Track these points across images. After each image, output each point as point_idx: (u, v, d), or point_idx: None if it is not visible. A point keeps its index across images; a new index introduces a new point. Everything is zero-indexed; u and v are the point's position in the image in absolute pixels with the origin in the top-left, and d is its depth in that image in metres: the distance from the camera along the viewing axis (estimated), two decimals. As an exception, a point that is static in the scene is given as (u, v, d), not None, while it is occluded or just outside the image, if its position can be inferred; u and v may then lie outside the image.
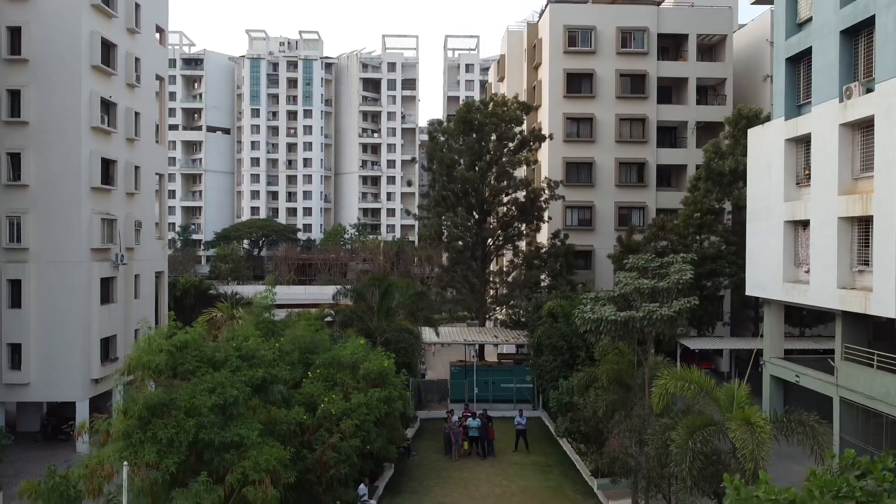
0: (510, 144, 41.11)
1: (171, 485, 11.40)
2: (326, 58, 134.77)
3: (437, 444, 32.05)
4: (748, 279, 32.34)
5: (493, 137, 40.44)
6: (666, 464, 17.42)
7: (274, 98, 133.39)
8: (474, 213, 40.61)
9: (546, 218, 43.10)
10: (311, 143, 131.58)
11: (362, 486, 22.93)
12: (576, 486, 26.48)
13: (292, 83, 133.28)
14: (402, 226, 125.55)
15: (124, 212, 38.19)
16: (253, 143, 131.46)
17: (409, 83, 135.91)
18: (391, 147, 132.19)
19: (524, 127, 44.24)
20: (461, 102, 48.94)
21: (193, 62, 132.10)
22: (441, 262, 44.20)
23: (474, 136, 39.77)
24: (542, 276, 40.70)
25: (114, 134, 37.39)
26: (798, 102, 29.17)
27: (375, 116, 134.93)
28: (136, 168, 39.98)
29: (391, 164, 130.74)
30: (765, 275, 30.86)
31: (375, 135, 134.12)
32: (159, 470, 11.19)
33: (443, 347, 40.89)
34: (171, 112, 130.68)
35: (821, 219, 26.48)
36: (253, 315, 15.60)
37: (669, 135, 53.90)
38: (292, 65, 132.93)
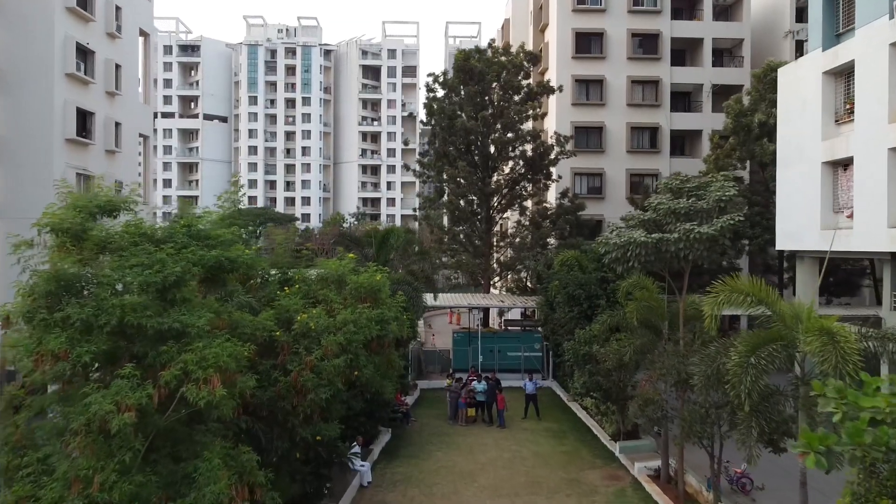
0: (515, 98, 38.28)
1: (87, 382, 8.72)
2: (325, 45, 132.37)
3: (439, 411, 29.32)
4: (778, 232, 29.54)
5: (496, 87, 37.58)
6: (714, 403, 14.68)
7: (272, 86, 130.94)
8: (478, 169, 37.79)
9: (555, 177, 40.25)
10: (309, 132, 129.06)
11: (355, 444, 20.22)
12: (594, 451, 23.70)
13: (291, 70, 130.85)
14: (402, 215, 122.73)
15: (104, 170, 35.41)
16: (250, 131, 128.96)
17: (410, 70, 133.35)
18: (391, 135, 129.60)
19: (531, 80, 41.34)
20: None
21: (190, 49, 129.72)
22: (441, 225, 41.29)
23: (475, 86, 36.90)
24: (550, 240, 37.83)
25: (92, 85, 34.83)
26: (837, 31, 26.41)
27: (375, 104, 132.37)
28: (118, 125, 37.38)
29: (391, 152, 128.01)
30: (797, 225, 28.09)
31: (375, 123, 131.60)
32: (69, 361, 8.48)
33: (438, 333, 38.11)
34: (168, 100, 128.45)
35: (866, 154, 23.74)
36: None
37: (683, 100, 51.17)
38: (291, 52, 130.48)
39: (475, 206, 38.39)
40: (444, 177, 37.41)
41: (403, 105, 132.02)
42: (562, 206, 39.03)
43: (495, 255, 40.00)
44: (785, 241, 29.28)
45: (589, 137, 48.37)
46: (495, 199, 38.70)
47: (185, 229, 10.56)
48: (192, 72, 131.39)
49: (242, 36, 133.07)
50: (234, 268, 11.00)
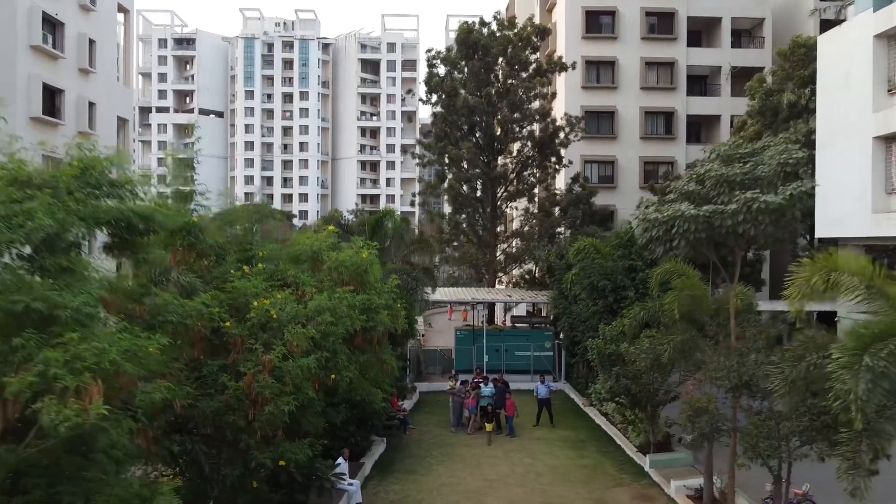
0: (523, 74, 35.14)
1: None
2: (323, 38, 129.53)
3: (441, 417, 26.26)
4: (818, 219, 26.39)
5: (502, 62, 34.45)
6: (786, 415, 11.59)
7: (269, 80, 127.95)
8: (483, 152, 34.65)
9: (566, 162, 37.09)
10: (307, 127, 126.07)
11: (340, 459, 17.15)
12: (619, 465, 20.61)
13: (288, 64, 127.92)
14: (402, 212, 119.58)
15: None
16: (247, 126, 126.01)
17: (410, 64, 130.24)
18: (391, 131, 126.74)
19: (539, 56, 38.12)
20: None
21: (185, 42, 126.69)
22: (442, 213, 38.07)
23: (479, 61, 33.75)
24: (560, 230, 34.68)
25: (61, 60, 31.78)
26: (890, -11, 23.34)
27: (374, 99, 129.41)
28: (91, 105, 34.29)
29: (391, 148, 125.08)
30: (842, 209, 25.04)
31: (374, 118, 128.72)
32: None
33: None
34: (162, 94, 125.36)
35: (929, 124, 20.68)
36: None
37: (699, 84, 48.14)
38: (288, 45, 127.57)
39: (479, 193, 35.24)
40: (446, 160, 34.27)
41: (403, 100, 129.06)
42: (573, 192, 35.90)
43: (501, 247, 36.87)
44: (826, 228, 26.20)
45: (600, 123, 45.26)
46: (501, 185, 35.55)
47: (81, 173, 7.45)
48: (188, 66, 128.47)
49: (239, 29, 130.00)
50: (149, 229, 7.91)
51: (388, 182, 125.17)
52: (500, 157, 35.74)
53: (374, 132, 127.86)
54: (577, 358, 27.31)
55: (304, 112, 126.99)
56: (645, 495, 18.20)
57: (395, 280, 14.05)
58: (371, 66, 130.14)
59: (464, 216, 35.73)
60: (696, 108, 46.35)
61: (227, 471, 9.25)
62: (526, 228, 35.75)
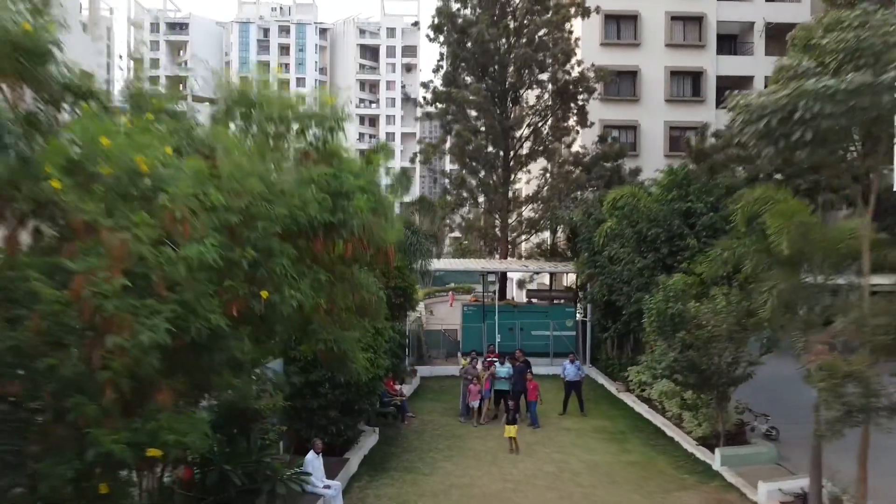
0: (544, 16, 30.55)
1: None
2: (321, 23, 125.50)
3: (446, 404, 21.78)
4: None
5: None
6: None
7: (265, 66, 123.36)
8: (496, 98, 30.03)
9: (588, 122, 32.47)
10: None
11: (311, 454, 12.67)
12: (676, 461, 16.10)
13: (284, 50, 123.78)
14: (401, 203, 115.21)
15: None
16: None
17: (410, 50, 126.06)
18: (390, 119, 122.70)
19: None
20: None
21: (178, 27, 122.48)
22: (446, 172, 33.30)
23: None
24: (581, 193, 30.06)
25: None
26: None
27: (374, 86, 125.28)
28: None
29: (390, 136, 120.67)
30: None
31: (373, 105, 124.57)
32: None
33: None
34: (154, 80, 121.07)
35: None
36: None
37: (729, 43, 43.63)
38: (284, 30, 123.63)
39: (490, 148, 30.59)
40: (453, 107, 29.60)
41: (403, 86, 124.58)
42: (600, 150, 31.32)
43: (515, 214, 32.25)
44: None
45: (621, 84, 40.58)
46: (515, 143, 30.86)
47: None
48: (181, 51, 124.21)
49: (234, 13, 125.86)
50: None
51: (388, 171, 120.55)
52: (515, 108, 31.08)
53: (373, 120, 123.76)
54: (609, 333, 22.75)
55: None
56: (723, 501, 13.68)
57: (378, 156, 9.39)
58: (370, 52, 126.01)
59: (472, 175, 31.03)
60: (726, 69, 41.85)
61: (42, 465, 4.79)
62: (545, 191, 31.13)
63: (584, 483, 14.79)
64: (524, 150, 31.67)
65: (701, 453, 16.13)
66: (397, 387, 20.51)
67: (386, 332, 16.75)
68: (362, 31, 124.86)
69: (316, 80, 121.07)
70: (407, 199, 25.89)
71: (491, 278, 28.85)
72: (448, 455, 16.61)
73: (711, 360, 14.22)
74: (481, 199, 32.42)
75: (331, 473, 13.54)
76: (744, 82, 42.31)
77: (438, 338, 29.40)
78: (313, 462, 12.60)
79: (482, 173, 30.77)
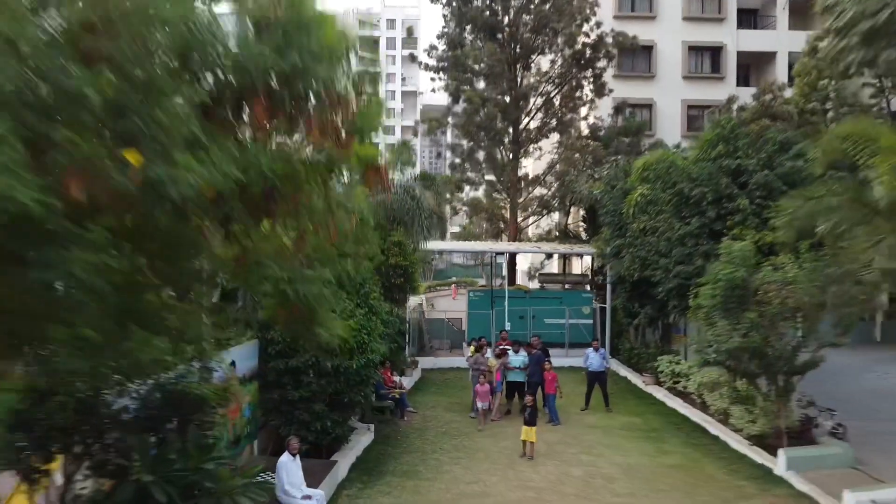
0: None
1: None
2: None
3: (451, 398, 19.27)
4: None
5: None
6: None
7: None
8: (507, 60, 27.34)
9: (606, 91, 29.84)
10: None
11: (285, 456, 10.13)
12: (728, 464, 13.53)
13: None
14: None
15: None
16: None
17: (411, 42, 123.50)
18: (390, 113, 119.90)
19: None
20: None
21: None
22: (453, 145, 30.60)
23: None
24: (599, 169, 27.47)
25: None
26: None
27: (373, 79, 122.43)
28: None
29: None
30: None
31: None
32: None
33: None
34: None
35: None
36: None
37: (750, 17, 41.03)
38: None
39: (500, 122, 27.94)
40: (459, 72, 26.96)
41: (404, 79, 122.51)
42: (617, 124, 28.75)
43: (524, 194, 29.61)
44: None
45: (635, 59, 38.07)
46: (525, 114, 28.23)
47: None
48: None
49: (228, 6, 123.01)
50: None
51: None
52: (525, 75, 28.43)
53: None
54: (639, 318, 20.17)
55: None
56: (797, 515, 11.14)
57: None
58: (369, 44, 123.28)
59: (480, 149, 28.37)
60: (746, 44, 39.22)
61: None
62: (558, 166, 28.48)
63: (620, 491, 12.24)
64: (535, 124, 29.04)
65: (756, 454, 13.56)
66: (396, 378, 17.96)
67: (382, 311, 14.21)
68: (362, 23, 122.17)
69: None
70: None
71: (500, 260, 26.27)
72: (455, 457, 14.06)
73: (778, 342, 11.66)
74: (489, 176, 29.81)
75: (314, 480, 11.01)
76: (765, 59, 39.84)
77: (442, 327, 26.86)
78: (288, 466, 10.06)
79: (488, 146, 28.11)
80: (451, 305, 40.88)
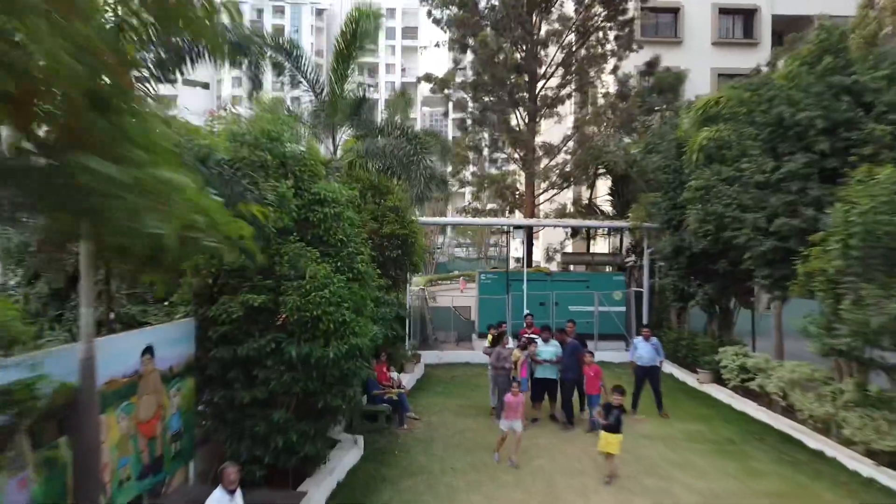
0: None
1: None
2: (316, 3, 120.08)
3: (460, 400, 15.54)
4: None
5: None
6: None
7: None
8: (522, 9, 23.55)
9: (634, 45, 26.01)
10: (299, 98, 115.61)
11: (217, 492, 6.36)
12: (854, 493, 9.75)
13: (279, 32, 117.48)
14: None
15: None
16: (234, 98, 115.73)
17: (411, 32, 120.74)
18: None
19: None
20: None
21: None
22: (462, 102, 26.66)
23: None
24: (628, 133, 23.67)
25: None
26: None
27: (372, 69, 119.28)
28: None
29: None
30: None
31: (372, 90, 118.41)
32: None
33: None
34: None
35: None
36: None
37: (783, -20, 37.33)
38: (279, 11, 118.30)
39: (514, 74, 24.10)
40: (467, 16, 23.13)
41: (403, 70, 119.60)
42: (648, 82, 24.96)
43: (542, 165, 25.73)
44: None
45: (659, 23, 34.45)
46: (543, 73, 24.40)
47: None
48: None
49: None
50: None
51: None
52: (543, 24, 24.62)
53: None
54: (697, 299, 16.33)
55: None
56: None
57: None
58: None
59: (492, 110, 24.47)
60: (783, 6, 35.54)
61: None
62: (583, 129, 24.66)
63: (714, 534, 8.48)
64: (555, 82, 25.19)
65: (890, 478, 9.79)
66: (393, 375, 14.20)
67: (373, 281, 10.45)
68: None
69: (312, 62, 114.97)
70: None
71: (516, 238, 22.50)
72: (474, 481, 10.30)
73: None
74: (502, 141, 25.99)
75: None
76: (801, 23, 36.02)
77: (448, 317, 23.08)
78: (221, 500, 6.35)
79: (501, 107, 24.27)
80: (457, 299, 36.97)
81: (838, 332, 9.04)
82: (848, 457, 10.81)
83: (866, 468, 10.31)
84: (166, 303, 9.40)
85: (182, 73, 8.21)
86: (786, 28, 36.64)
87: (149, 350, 7.66)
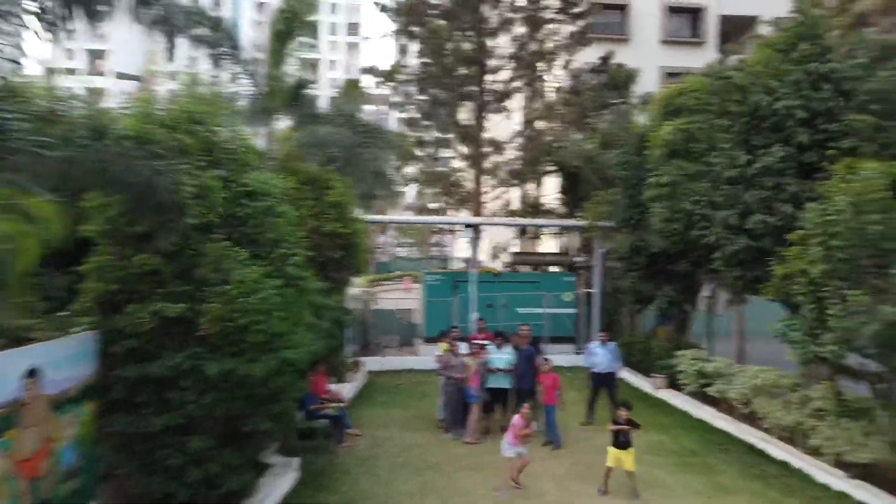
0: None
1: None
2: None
3: (407, 410, 14.53)
4: None
5: None
6: None
7: (197, 42, 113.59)
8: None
9: (587, 40, 25.35)
10: (235, 81, 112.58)
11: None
12: (828, 510, 9.17)
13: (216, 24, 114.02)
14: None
15: None
16: (149, 71, 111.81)
17: (353, 28, 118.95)
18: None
19: None
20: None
21: None
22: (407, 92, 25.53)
23: None
24: (587, 123, 23.01)
25: None
26: None
27: (313, 65, 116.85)
28: None
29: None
30: None
31: (313, 87, 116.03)
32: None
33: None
34: (71, 54, 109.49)
35: None
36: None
37: (726, -18, 37.60)
38: (216, 2, 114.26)
39: (463, 67, 23.14)
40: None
41: (346, 67, 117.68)
42: (600, 78, 24.42)
43: (489, 162, 24.87)
44: None
45: (607, 20, 34.10)
46: (489, 68, 23.54)
47: None
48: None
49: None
50: None
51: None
52: (494, 13, 23.70)
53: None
54: (658, 302, 15.67)
55: (236, 79, 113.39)
56: None
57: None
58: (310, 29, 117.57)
59: (440, 105, 23.48)
60: (730, 6, 35.74)
61: None
62: (537, 123, 23.92)
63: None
64: (504, 77, 24.37)
65: (869, 494, 9.20)
66: (332, 387, 13.05)
67: (311, 287, 9.32)
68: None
69: (252, 56, 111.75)
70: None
71: (463, 238, 21.60)
72: (423, 507, 9.28)
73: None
74: (448, 135, 25.05)
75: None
76: (748, 23, 36.34)
77: (391, 320, 22.01)
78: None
79: (449, 100, 23.34)
80: (401, 302, 35.78)
81: (822, 339, 8.39)
82: (816, 468, 10.23)
83: (836, 480, 9.73)
84: (62, 314, 8.05)
85: (70, 23, 6.70)
86: (732, 28, 36.89)
87: (33, 372, 6.35)
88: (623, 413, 9.81)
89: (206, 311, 7.52)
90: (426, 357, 17.92)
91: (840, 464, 9.96)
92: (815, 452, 10.52)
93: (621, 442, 9.62)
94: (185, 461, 7.38)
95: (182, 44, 12.20)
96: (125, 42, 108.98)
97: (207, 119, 8.95)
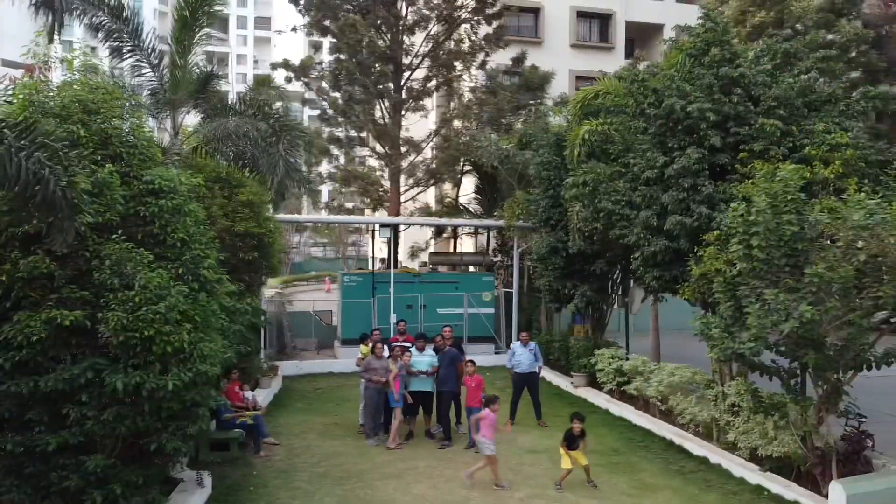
0: None
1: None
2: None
3: (327, 417, 14.04)
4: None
5: None
6: None
7: (94, 30, 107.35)
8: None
9: (502, 42, 25.43)
10: (135, 71, 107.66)
11: None
12: (754, 502, 9.36)
13: (117, 14, 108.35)
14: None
15: None
16: (38, 55, 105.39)
17: (263, 22, 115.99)
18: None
19: None
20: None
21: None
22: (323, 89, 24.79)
23: None
24: (502, 123, 23.07)
25: None
26: None
27: (222, 60, 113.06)
28: None
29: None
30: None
31: (222, 82, 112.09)
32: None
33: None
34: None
35: None
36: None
37: (635, -11, 38.80)
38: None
39: (378, 63, 22.75)
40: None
41: (256, 62, 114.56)
42: (518, 74, 24.59)
43: (407, 162, 24.57)
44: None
45: (521, 23, 34.54)
46: (406, 66, 23.27)
47: None
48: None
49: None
50: None
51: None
52: (410, 10, 23.41)
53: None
54: (575, 302, 15.75)
55: (137, 70, 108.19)
56: None
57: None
58: (218, 23, 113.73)
59: (357, 102, 22.94)
60: (637, 14, 36.87)
61: None
62: (453, 122, 23.80)
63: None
64: (420, 75, 24.16)
65: (782, 486, 9.47)
66: (247, 394, 12.41)
67: (222, 291, 8.74)
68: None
69: (157, 50, 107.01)
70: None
71: (381, 238, 21.17)
72: (345, 520, 8.87)
73: (861, 321, 7.56)
74: (364, 133, 24.58)
75: None
76: (651, 32, 37.66)
77: (308, 322, 21.36)
78: None
79: (365, 97, 22.87)
80: (317, 303, 34.98)
81: (739, 336, 8.55)
82: (732, 462, 10.48)
83: (752, 474, 9.98)
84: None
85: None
86: (638, 34, 38.13)
87: None
88: (577, 426, 9.99)
89: (105, 320, 6.87)
90: (346, 360, 17.45)
91: (755, 458, 10.24)
92: (731, 447, 10.80)
93: (573, 446, 9.94)
94: (83, 483, 6.71)
95: (79, 32, 11.26)
96: (13, 29, 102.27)
97: (104, 109, 8.27)
